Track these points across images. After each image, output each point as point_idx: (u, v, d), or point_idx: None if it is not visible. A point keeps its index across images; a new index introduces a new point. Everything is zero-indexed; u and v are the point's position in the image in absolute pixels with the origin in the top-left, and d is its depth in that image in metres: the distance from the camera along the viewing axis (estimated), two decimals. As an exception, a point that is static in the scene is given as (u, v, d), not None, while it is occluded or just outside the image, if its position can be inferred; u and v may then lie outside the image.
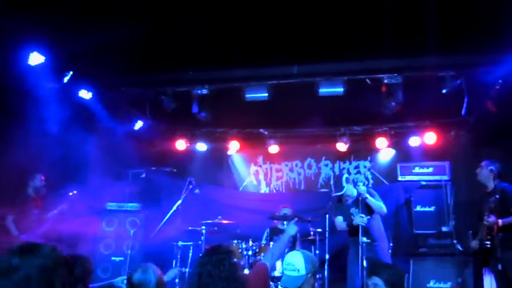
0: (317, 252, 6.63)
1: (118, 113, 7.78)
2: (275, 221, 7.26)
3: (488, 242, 5.39)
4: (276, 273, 5.95)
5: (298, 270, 3.41)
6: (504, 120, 6.82)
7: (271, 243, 6.44)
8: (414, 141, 8.49)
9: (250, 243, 6.47)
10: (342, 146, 8.65)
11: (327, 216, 6.33)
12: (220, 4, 5.37)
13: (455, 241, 6.53)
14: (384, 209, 5.93)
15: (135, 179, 8.72)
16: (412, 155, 8.60)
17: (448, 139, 8.44)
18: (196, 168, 9.37)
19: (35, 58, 5.80)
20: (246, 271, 5.76)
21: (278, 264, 5.55)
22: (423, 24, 5.40)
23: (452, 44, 5.85)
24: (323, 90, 6.87)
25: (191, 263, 6.61)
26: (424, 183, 7.88)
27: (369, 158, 9.21)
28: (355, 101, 7.06)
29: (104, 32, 5.23)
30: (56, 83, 6.33)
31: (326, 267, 6.51)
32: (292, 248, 6.17)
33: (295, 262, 3.46)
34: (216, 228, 7.05)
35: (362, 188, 5.89)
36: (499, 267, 4.95)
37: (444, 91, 6.49)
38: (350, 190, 6.01)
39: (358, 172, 9.22)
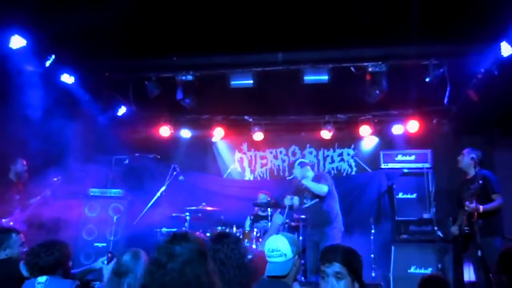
0: (301, 238, 6.70)
1: (101, 98, 7.71)
2: (256, 208, 7.35)
3: (467, 228, 5.50)
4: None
5: (285, 255, 3.22)
6: (485, 110, 6.94)
7: (255, 229, 6.49)
8: (397, 129, 8.57)
9: (234, 229, 6.51)
10: (326, 134, 8.70)
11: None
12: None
13: (435, 228, 6.63)
14: (323, 190, 5.97)
15: (118, 165, 8.65)
16: (395, 143, 8.69)
17: (430, 128, 8.53)
18: (181, 154, 9.34)
19: (17, 41, 5.70)
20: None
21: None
22: (407, 13, 5.43)
23: (436, 33, 5.92)
24: (308, 78, 6.90)
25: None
26: (406, 170, 7.99)
27: (352, 145, 9.27)
28: (339, 89, 7.11)
29: (88, 15, 5.16)
30: (38, 67, 6.22)
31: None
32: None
33: (280, 247, 3.26)
34: (200, 215, 7.07)
35: (296, 171, 6.15)
36: (479, 253, 5.05)
37: (427, 79, 6.56)
38: (297, 173, 6.24)
39: (342, 160, 9.29)
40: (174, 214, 7.03)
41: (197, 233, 6.18)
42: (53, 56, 6.38)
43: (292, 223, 6.97)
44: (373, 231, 7.18)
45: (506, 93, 6.28)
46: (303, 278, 6.30)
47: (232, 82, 7.10)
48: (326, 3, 5.59)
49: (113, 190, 7.90)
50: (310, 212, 6.26)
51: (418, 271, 6.54)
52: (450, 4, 5.41)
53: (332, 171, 9.17)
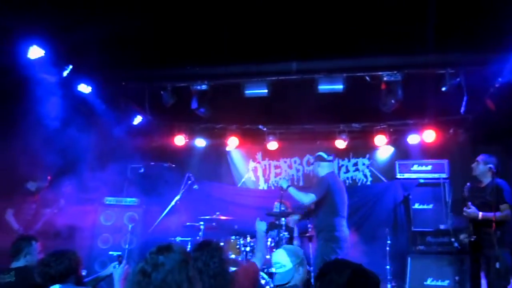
0: (315, 248, 6.64)
1: (118, 107, 7.79)
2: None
3: (475, 237, 5.32)
4: (273, 269, 5.96)
5: (285, 266, 3.65)
6: (502, 119, 6.83)
7: (269, 239, 6.44)
8: (413, 139, 8.49)
9: (248, 239, 6.46)
10: (341, 143, 8.65)
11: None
12: (220, 1, 5.37)
13: (453, 239, 6.52)
14: (302, 200, 5.78)
15: (134, 174, 8.72)
16: (411, 153, 8.60)
17: (447, 137, 8.44)
18: (195, 163, 9.37)
19: (35, 52, 5.80)
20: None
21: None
22: (423, 22, 5.39)
23: (452, 42, 5.85)
24: (323, 87, 6.86)
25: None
26: (422, 181, 7.90)
27: (367, 155, 9.21)
28: (354, 98, 7.06)
29: (105, 26, 5.23)
30: (56, 77, 6.32)
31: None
32: (289, 243, 6.20)
33: (280, 260, 3.69)
34: (214, 224, 7.05)
35: (281, 182, 6.00)
36: (497, 265, 4.90)
37: (443, 89, 6.49)
38: (282, 184, 6.03)
39: (357, 170, 9.23)
40: (188, 223, 7.03)
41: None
42: (71, 66, 6.48)
43: (308, 234, 6.91)
44: (388, 241, 7.08)
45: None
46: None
47: (247, 92, 7.11)
48: (341, 12, 5.57)
49: (129, 199, 7.96)
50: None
51: (434, 283, 6.44)
52: (466, 12, 5.35)
53: (347, 181, 9.11)
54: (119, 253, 7.19)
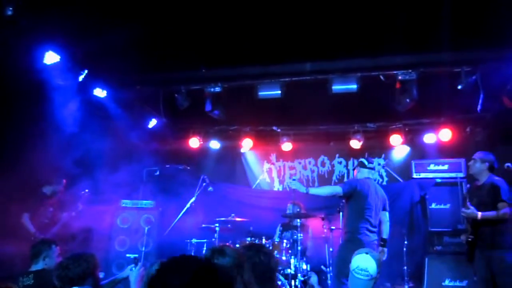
0: (331, 249, 6.61)
1: (133, 111, 7.86)
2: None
3: (471, 237, 5.20)
4: (289, 271, 5.95)
5: (371, 275, 3.47)
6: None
7: (284, 241, 6.42)
8: (429, 138, 8.40)
9: (263, 240, 6.46)
10: (355, 143, 8.59)
11: (341, 213, 6.31)
12: (233, 2, 5.38)
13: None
14: (328, 191, 5.77)
15: (150, 177, 8.78)
16: (427, 152, 8.50)
17: (463, 136, 8.34)
18: (210, 165, 9.41)
19: (51, 57, 5.88)
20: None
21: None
22: (438, 20, 5.34)
23: (468, 40, 5.78)
24: (336, 87, 6.84)
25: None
26: (439, 180, 7.78)
27: (383, 155, 9.14)
28: (368, 98, 7.01)
29: (119, 31, 5.28)
30: (72, 82, 6.40)
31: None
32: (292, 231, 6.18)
33: (368, 268, 3.48)
34: (229, 226, 7.07)
35: (293, 185, 5.76)
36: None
37: (459, 87, 6.41)
38: (297, 187, 5.78)
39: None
40: (203, 225, 7.06)
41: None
42: (86, 71, 6.57)
43: (323, 235, 6.89)
44: (406, 242, 7.02)
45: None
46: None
47: (260, 93, 7.12)
48: (354, 11, 5.55)
49: (145, 201, 8.02)
50: None
51: (452, 283, 6.37)
52: (482, 9, 5.29)
53: (363, 181, 9.03)
54: (136, 255, 7.32)
